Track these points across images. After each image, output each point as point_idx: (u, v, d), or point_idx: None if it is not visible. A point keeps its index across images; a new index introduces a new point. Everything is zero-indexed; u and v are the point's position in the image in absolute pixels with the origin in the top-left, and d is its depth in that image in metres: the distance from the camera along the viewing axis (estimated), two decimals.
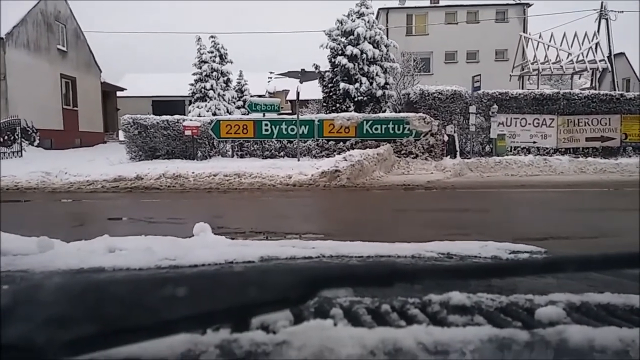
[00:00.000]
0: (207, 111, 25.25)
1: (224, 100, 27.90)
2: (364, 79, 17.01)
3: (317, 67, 18.02)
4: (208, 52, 27.06)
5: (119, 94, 32.61)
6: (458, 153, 16.33)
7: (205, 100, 26.86)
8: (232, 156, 15.91)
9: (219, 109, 26.30)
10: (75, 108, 24.08)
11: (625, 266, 0.63)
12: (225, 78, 28.40)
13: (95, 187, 11.17)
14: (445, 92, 16.56)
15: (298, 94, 13.62)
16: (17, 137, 17.70)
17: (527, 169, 14.14)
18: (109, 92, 29.87)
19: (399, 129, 15.23)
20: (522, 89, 22.94)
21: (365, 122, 15.19)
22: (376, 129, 15.23)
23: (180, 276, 0.57)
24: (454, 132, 16.34)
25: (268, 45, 74.83)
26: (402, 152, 15.07)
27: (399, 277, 0.52)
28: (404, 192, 10.52)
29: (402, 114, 15.40)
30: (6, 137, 17.12)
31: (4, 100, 18.50)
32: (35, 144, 19.61)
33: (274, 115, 15.73)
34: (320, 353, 0.50)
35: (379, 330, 0.56)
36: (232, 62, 28.83)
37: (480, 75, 16.10)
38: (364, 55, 16.92)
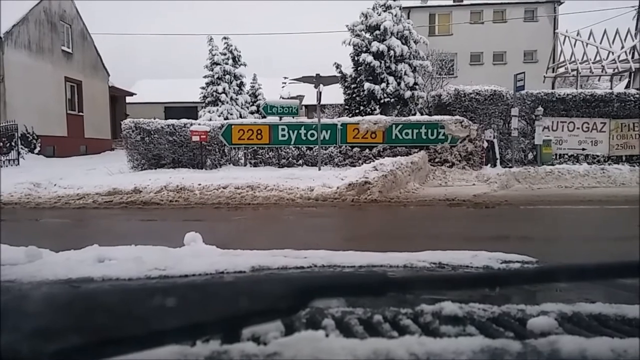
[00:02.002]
0: (219, 116, 23.78)
1: (237, 104, 26.46)
2: (390, 79, 15.32)
3: (338, 66, 16.35)
4: (220, 53, 25.65)
5: (129, 99, 31.40)
6: (498, 161, 14.54)
7: (217, 105, 25.42)
8: (245, 165, 14.30)
9: (231, 114, 24.84)
10: (80, 113, 22.75)
11: (618, 276, 0.67)
12: (238, 81, 26.98)
13: (85, 202, 9.62)
14: (484, 93, 14.79)
15: (320, 94, 11.95)
16: (14, 144, 16.32)
17: (583, 179, 12.26)
18: (117, 97, 28.59)
19: (432, 134, 13.48)
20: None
21: (394, 126, 13.47)
22: (407, 134, 13.50)
23: (170, 286, 0.60)
24: (494, 137, 14.54)
25: (282, 49, 73.52)
26: (436, 160, 13.31)
27: (391, 287, 0.53)
28: (450, 209, 8.76)
29: (436, 117, 13.65)
30: (1, 144, 15.73)
31: (2, 104, 17.16)
32: (36, 151, 18.25)
33: (291, 119, 14.09)
34: None
35: (371, 341, 0.56)
36: (245, 65, 27.41)
37: (524, 73, 14.30)
38: (391, 52, 15.24)
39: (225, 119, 19.67)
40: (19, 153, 16.40)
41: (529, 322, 0.65)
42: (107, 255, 1.22)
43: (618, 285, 0.91)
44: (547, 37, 31.70)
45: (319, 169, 12.61)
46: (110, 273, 0.97)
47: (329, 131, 13.60)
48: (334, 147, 13.78)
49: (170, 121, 14.09)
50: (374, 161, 12.91)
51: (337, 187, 9.94)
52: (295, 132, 13.78)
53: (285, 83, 42.14)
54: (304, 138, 13.78)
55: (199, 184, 10.38)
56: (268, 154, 14.22)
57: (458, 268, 1.14)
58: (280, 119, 14.02)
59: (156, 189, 10.16)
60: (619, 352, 0.53)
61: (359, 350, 0.52)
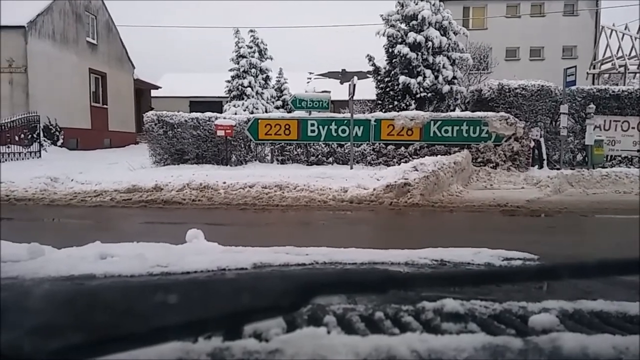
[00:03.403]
0: (244, 110, 23.12)
1: (262, 98, 25.77)
2: (427, 72, 14.29)
3: (370, 58, 15.38)
4: (247, 46, 24.96)
5: (155, 93, 31.03)
6: (545, 162, 13.41)
7: (243, 99, 24.77)
8: (272, 161, 13.51)
9: (257, 108, 24.16)
10: (104, 106, 22.35)
11: (619, 273, 0.65)
12: (264, 75, 26.30)
13: (102, 200, 8.96)
14: (530, 88, 13.67)
15: (354, 87, 11.04)
16: (36, 136, 15.89)
17: None
18: (142, 90, 28.21)
19: (474, 132, 12.45)
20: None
21: (432, 122, 12.49)
22: (446, 131, 12.50)
23: (172, 283, 0.60)
24: (541, 136, 13.40)
25: (308, 43, 72.69)
26: (479, 160, 12.29)
27: (393, 284, 0.53)
28: (504, 216, 7.78)
29: (479, 114, 12.60)
30: (22, 136, 15.29)
31: (24, 95, 16.78)
32: (59, 143, 17.84)
33: (322, 114, 13.23)
34: None
35: (373, 338, 0.56)
36: (272, 59, 26.72)
37: (575, 67, 13.13)
38: (429, 44, 14.21)
39: (250, 114, 18.91)
40: (41, 145, 15.97)
41: (531, 319, 0.65)
42: (110, 252, 1.21)
43: (620, 282, 0.89)
44: (588, 32, 30.09)
45: (351, 168, 11.73)
46: (112, 270, 0.95)
47: (361, 127, 12.70)
48: (367, 144, 12.88)
49: (194, 114, 13.40)
50: (409, 160, 11.98)
51: (374, 189, 9.05)
52: (326, 127, 12.92)
53: (310, 78, 41.53)
54: (334, 134, 12.92)
55: (224, 182, 9.63)
56: (296, 150, 13.40)
57: (459, 265, 1.14)
58: (310, 114, 13.19)
59: (178, 186, 9.44)
60: (621, 350, 0.52)
61: (360, 347, 0.53)
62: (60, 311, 0.44)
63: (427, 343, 0.54)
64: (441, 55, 14.51)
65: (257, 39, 25.86)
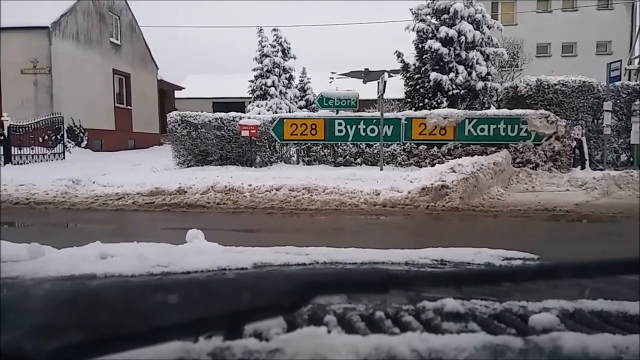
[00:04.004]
0: (268, 110, 22.74)
1: (286, 98, 25.38)
2: (460, 68, 13.62)
3: (399, 54, 14.76)
4: (270, 45, 24.59)
5: (178, 94, 30.96)
6: (587, 162, 12.61)
7: (266, 99, 24.40)
8: (298, 162, 13.04)
9: (280, 108, 23.76)
10: (128, 107, 22.23)
11: (620, 273, 0.64)
12: (287, 75, 25.90)
13: (124, 203, 8.61)
14: (571, 84, 12.90)
15: (384, 84, 10.48)
16: (60, 137, 15.76)
17: None
18: (166, 91, 28.10)
19: (512, 131, 11.76)
20: None
21: (467, 121, 11.83)
22: (482, 130, 11.83)
23: (172, 283, 0.60)
24: (582, 135, 12.61)
25: (330, 42, 72.16)
26: (517, 160, 11.57)
27: (393, 284, 0.53)
28: (556, 222, 7.12)
29: (517, 111, 11.89)
30: (46, 137, 15.15)
31: (48, 96, 16.68)
32: (83, 144, 17.71)
33: (349, 113, 12.70)
34: None
35: (373, 338, 0.56)
36: (295, 58, 26.30)
37: (620, 61, 12.32)
38: (462, 38, 13.54)
39: (274, 114, 18.51)
40: (65, 147, 15.83)
41: (531, 319, 0.64)
42: (110, 252, 1.19)
43: (620, 281, 0.88)
44: (623, 26, 28.85)
45: (381, 169, 11.18)
46: (113, 270, 0.95)
47: (391, 126, 12.12)
48: (397, 144, 12.29)
49: (218, 114, 13.01)
50: (443, 161, 11.38)
51: (408, 192, 8.48)
52: (354, 127, 12.39)
53: (332, 78, 41.02)
54: (363, 134, 12.37)
55: (249, 185, 9.19)
56: (323, 151, 12.88)
57: (460, 265, 1.14)
58: (337, 113, 12.67)
59: (202, 189, 9.04)
60: (621, 349, 0.52)
61: (360, 346, 0.52)
62: (61, 311, 0.43)
63: (428, 342, 0.54)
64: (474, 50, 13.81)
65: (280, 37, 25.48)
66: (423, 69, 14.18)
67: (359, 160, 12.50)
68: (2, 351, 0.39)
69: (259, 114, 18.82)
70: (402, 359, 0.51)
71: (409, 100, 14.87)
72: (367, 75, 39.66)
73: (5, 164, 12.80)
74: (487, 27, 14.23)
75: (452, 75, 13.69)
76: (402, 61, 14.78)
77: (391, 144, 12.26)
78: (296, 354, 0.51)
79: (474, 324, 0.63)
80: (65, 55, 17.25)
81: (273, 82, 24.25)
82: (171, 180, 9.62)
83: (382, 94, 10.74)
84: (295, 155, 13.20)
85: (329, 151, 12.80)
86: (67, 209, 8.23)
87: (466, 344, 0.53)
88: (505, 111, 12.03)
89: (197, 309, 0.45)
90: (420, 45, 14.25)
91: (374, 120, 12.14)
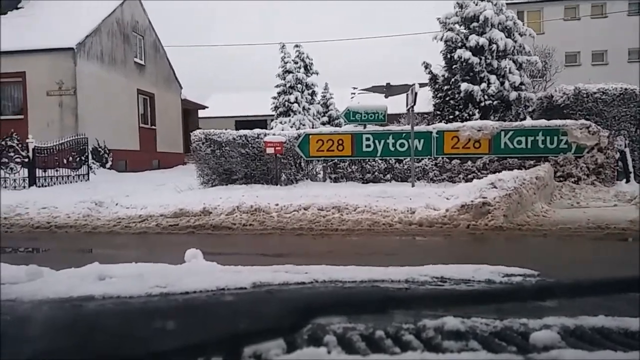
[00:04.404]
0: (291, 127, 22.46)
1: (309, 114, 25.13)
2: (492, 78, 13.06)
3: (427, 65, 14.27)
4: (293, 61, 24.44)
5: (201, 113, 31.05)
6: (632, 175, 11.83)
7: (289, 115, 24.18)
8: (324, 180, 12.59)
9: (303, 124, 23.48)
10: (153, 127, 22.21)
11: (620, 291, 0.64)
12: (310, 91, 25.70)
13: (147, 225, 8.28)
14: (611, 92, 12.19)
15: (415, 94, 9.99)
16: (84, 158, 15.69)
17: None
18: (190, 110, 28.15)
19: (551, 143, 11.11)
20: None
21: (503, 133, 11.24)
22: (519, 142, 11.21)
23: (171, 306, 0.60)
24: (625, 146, 11.87)
25: (349, 58, 72.09)
26: (558, 174, 10.90)
27: (393, 304, 0.54)
28: (616, 242, 6.45)
29: (556, 122, 11.24)
30: (71, 159, 15.08)
31: (73, 117, 16.68)
32: (107, 165, 17.65)
33: (377, 127, 12.24)
34: None
35: (374, 358, 0.56)
36: (317, 73, 26.10)
37: None
38: (493, 47, 12.98)
39: (297, 130, 18.19)
40: (89, 168, 15.75)
41: (532, 336, 0.64)
42: (108, 272, 1.18)
43: (621, 297, 0.85)
44: None
45: (413, 185, 10.63)
46: (111, 291, 0.93)
47: (421, 140, 11.61)
48: (428, 159, 11.75)
49: (242, 132, 12.71)
50: (477, 176, 10.80)
51: (446, 210, 7.92)
52: (382, 141, 11.92)
53: (354, 93, 40.73)
54: (392, 149, 11.88)
55: (276, 204, 8.77)
56: (350, 167, 12.41)
57: (460, 282, 1.12)
58: (365, 127, 12.23)
59: (227, 209, 8.66)
60: None
61: None
62: (58, 335, 0.43)
63: None
64: (506, 59, 13.23)
65: (303, 53, 25.36)
66: (453, 79, 13.65)
67: (388, 176, 11.99)
68: None
69: (282, 130, 18.54)
70: None
71: (438, 112, 14.32)
72: (388, 90, 39.18)
73: (30, 186, 12.70)
74: (519, 34, 13.66)
75: (483, 85, 13.13)
76: (430, 72, 14.29)
77: (422, 159, 11.73)
78: None
79: (475, 342, 0.63)
80: (90, 75, 17.30)
81: (296, 98, 24.05)
82: (195, 201, 9.27)
83: (412, 106, 10.26)
84: (322, 172, 12.77)
85: (356, 167, 12.32)
86: (88, 232, 7.93)
87: None
88: (543, 122, 11.39)
89: (196, 332, 0.45)
90: (449, 55, 13.75)
91: (404, 134, 11.64)
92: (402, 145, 11.71)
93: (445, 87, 13.84)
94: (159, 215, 8.67)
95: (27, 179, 12.87)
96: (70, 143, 15.19)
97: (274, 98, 24.59)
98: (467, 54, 13.04)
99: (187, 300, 0.76)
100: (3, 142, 13.10)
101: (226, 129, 13.47)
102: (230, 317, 0.48)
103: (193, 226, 8.20)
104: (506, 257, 5.66)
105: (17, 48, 16.09)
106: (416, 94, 9.98)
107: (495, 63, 13.21)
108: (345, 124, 12.85)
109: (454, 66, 13.57)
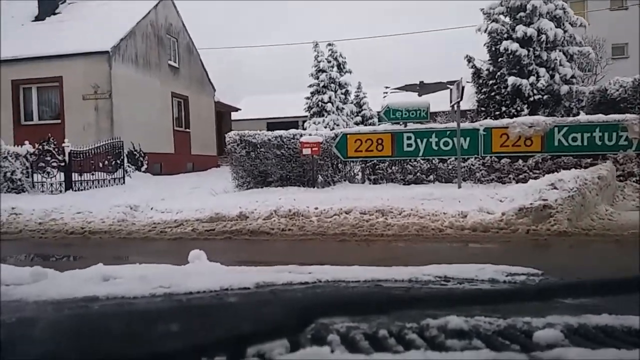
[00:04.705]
0: (325, 127, 22.00)
1: (342, 114, 24.62)
2: (541, 70, 12.21)
3: (470, 59, 13.54)
4: (326, 60, 24.00)
5: (234, 115, 31.00)
6: None
7: (323, 115, 23.75)
8: (363, 182, 12.06)
9: (337, 124, 22.99)
10: (187, 130, 22.17)
11: (622, 292, 0.64)
12: (343, 90, 25.19)
13: (183, 231, 7.95)
14: None
15: (462, 89, 9.32)
16: (120, 162, 15.64)
17: None
18: (223, 113, 28.10)
19: (610, 139, 10.26)
20: None
21: (556, 129, 10.44)
22: (574, 139, 10.39)
23: (175, 306, 0.60)
24: None
25: (381, 57, 71.16)
26: (618, 173, 10.03)
27: (396, 304, 0.54)
28: None
29: (614, 116, 10.38)
30: (107, 162, 15.03)
31: (108, 121, 16.71)
32: (143, 169, 17.61)
33: (419, 125, 11.62)
34: None
35: (377, 357, 0.55)
36: (350, 72, 25.58)
37: None
38: (542, 37, 12.15)
39: (331, 130, 17.71)
40: (125, 171, 15.68)
41: (535, 335, 0.64)
42: (113, 273, 1.17)
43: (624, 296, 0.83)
44: None
45: (459, 187, 9.97)
46: (116, 292, 0.93)
47: (467, 138, 10.91)
48: (475, 158, 11.05)
49: (277, 132, 12.31)
50: (529, 175, 10.08)
51: (502, 213, 7.27)
52: (425, 140, 11.29)
53: (386, 92, 40.01)
54: (435, 148, 11.24)
55: (315, 208, 8.30)
56: (390, 168, 11.83)
57: (463, 281, 1.10)
58: (405, 126, 11.63)
59: (265, 214, 8.24)
60: None
61: None
62: (64, 338, 0.43)
63: None
64: (556, 51, 12.38)
65: (336, 52, 24.90)
66: (498, 73, 12.87)
67: (431, 177, 11.35)
68: None
69: (317, 130, 18.08)
70: None
71: (482, 109, 13.55)
72: (422, 88, 38.37)
73: (66, 190, 12.66)
74: (570, 24, 12.77)
75: (532, 79, 12.30)
76: (474, 66, 13.54)
77: (468, 158, 11.04)
78: None
79: (478, 341, 0.63)
80: (125, 79, 17.30)
81: (330, 97, 23.60)
82: (231, 204, 8.91)
83: (458, 102, 9.60)
84: (360, 173, 12.23)
85: (397, 168, 11.73)
86: (122, 238, 7.66)
87: None
88: (600, 117, 10.53)
89: (199, 332, 0.45)
90: (493, 48, 12.98)
91: (448, 132, 10.99)
92: (446, 143, 11.06)
93: (491, 82, 13.06)
94: (194, 220, 8.34)
95: (64, 183, 12.83)
96: (106, 147, 15.15)
97: (307, 98, 24.20)
98: (514, 46, 12.24)
99: (190, 301, 0.77)
100: (40, 147, 13.11)
101: (260, 130, 13.13)
102: (233, 317, 0.47)
103: (230, 231, 7.82)
104: (583, 267, 4.98)
105: (54, 53, 16.21)
106: (463, 87, 9.32)
107: (544, 55, 12.37)
108: (385, 123, 12.28)
109: (500, 59, 12.78)
